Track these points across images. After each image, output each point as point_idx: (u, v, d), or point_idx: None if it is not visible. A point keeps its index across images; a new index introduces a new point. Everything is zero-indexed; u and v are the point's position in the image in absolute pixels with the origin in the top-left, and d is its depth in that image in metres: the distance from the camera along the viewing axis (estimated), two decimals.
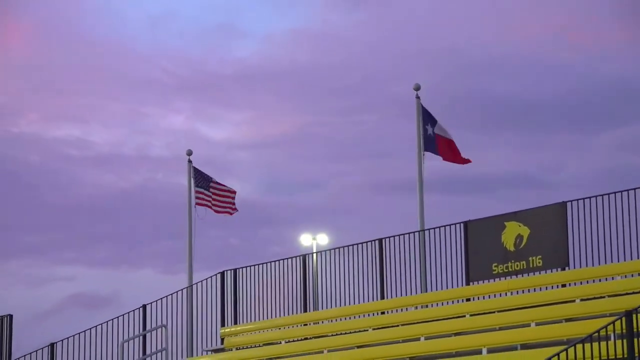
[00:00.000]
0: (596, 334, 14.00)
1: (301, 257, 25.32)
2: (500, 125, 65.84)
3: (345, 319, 23.34)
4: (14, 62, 68.69)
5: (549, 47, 65.23)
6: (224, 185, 27.79)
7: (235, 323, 25.61)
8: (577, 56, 64.28)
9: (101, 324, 25.36)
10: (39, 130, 69.22)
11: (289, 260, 25.24)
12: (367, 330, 21.89)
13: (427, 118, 24.35)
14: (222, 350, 24.91)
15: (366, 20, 70.03)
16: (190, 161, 27.60)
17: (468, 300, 21.45)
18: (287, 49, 67.97)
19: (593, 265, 19.98)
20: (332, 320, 23.70)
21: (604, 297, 18.40)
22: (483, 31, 67.08)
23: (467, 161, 24.60)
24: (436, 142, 24.33)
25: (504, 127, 66.51)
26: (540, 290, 20.33)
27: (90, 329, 25.38)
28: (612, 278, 19.30)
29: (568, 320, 17.97)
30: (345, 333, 22.33)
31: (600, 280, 19.50)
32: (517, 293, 20.66)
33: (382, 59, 67.60)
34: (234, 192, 27.81)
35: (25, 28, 68.40)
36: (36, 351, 25.46)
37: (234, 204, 27.73)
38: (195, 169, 27.49)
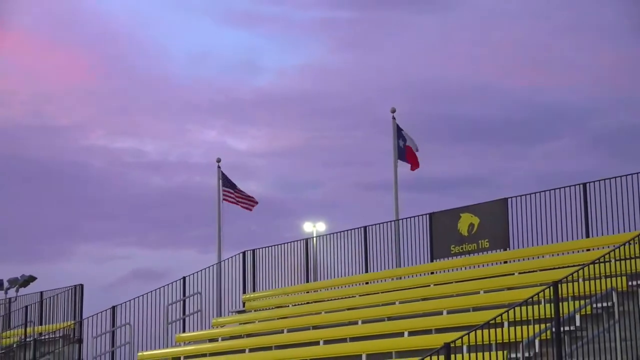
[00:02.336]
0: (530, 299, 13.93)
1: (304, 240, 25.26)
2: (459, 138, 65.93)
3: (338, 287, 23.28)
4: (85, 90, 68.85)
5: (497, 80, 65.55)
6: (245, 194, 27.62)
7: (254, 291, 25.54)
8: (519, 87, 64.59)
9: (151, 292, 25.25)
10: (104, 143, 69.40)
11: (295, 242, 25.18)
12: (355, 296, 21.82)
13: (400, 134, 24.44)
14: (243, 311, 24.84)
15: (356, 59, 70.20)
16: (219, 167, 27.52)
17: (432, 273, 21.37)
18: (295, 80, 68.06)
19: (528, 247, 19.90)
20: (328, 289, 23.63)
21: (536, 271, 18.32)
22: (447, 67, 67.24)
23: (416, 167, 24.65)
24: (405, 153, 24.43)
25: (462, 140, 66.60)
26: (487, 265, 20.25)
27: (143, 295, 25.24)
28: (543, 256, 19.25)
29: (509, 288, 17.90)
30: (338, 299, 22.25)
31: (533, 258, 19.42)
32: (470, 268, 20.58)
33: (368, 88, 67.81)
34: (255, 202, 27.63)
35: (92, 62, 68.51)
36: (100, 312, 25.37)
37: (252, 205, 27.58)
38: (223, 173, 27.44)
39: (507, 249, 20.36)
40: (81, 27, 67.68)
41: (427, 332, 17.17)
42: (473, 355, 13.28)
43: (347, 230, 23.80)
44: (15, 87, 67.22)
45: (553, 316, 13.31)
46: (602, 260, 14.46)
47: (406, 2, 69.09)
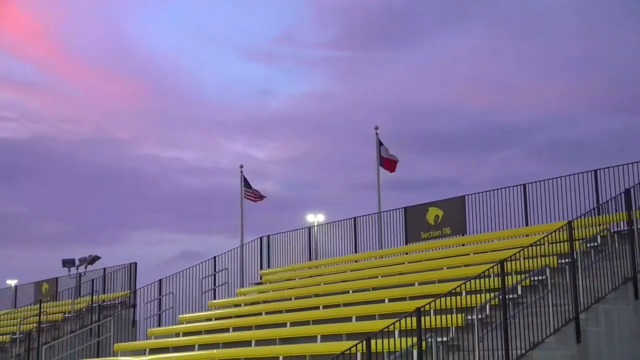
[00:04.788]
0: (482, 274, 13.88)
1: (307, 228, 25.26)
2: (432, 148, 66.25)
3: (334, 265, 23.23)
4: (139, 111, 69.18)
5: (462, 102, 65.97)
6: (258, 192, 27.55)
7: (269, 267, 25.50)
8: (479, 108, 65.10)
9: (189, 268, 25.25)
10: (154, 152, 69.81)
11: (300, 230, 25.17)
12: (347, 272, 21.76)
13: (381, 147, 24.58)
14: (261, 283, 24.79)
15: (350, 87, 70.73)
16: (241, 171, 27.48)
17: (407, 254, 21.33)
18: (302, 104, 68.55)
19: (481, 233, 19.90)
20: (326, 266, 23.58)
21: (487, 252, 18.28)
22: (421, 92, 67.57)
23: (392, 170, 24.74)
24: (383, 161, 24.55)
25: (432, 150, 66.91)
26: (449, 248, 20.23)
27: (183, 270, 25.19)
28: (492, 240, 19.21)
29: (466, 265, 17.86)
30: (333, 273, 22.20)
31: (485, 242, 19.40)
32: (436, 249, 20.55)
33: (358, 109, 68.26)
34: (263, 197, 27.62)
35: (145, 88, 68.87)
36: (150, 284, 25.37)
37: (260, 199, 27.59)
38: (244, 177, 27.43)
39: (465, 234, 20.35)
40: (136, 61, 68.20)
41: (402, 299, 17.11)
42: (439, 317, 13.23)
43: (341, 221, 23.84)
44: (86, 108, 67.79)
45: (500, 287, 13.27)
46: (538, 243, 14.45)
47: (389, 43, 69.62)
